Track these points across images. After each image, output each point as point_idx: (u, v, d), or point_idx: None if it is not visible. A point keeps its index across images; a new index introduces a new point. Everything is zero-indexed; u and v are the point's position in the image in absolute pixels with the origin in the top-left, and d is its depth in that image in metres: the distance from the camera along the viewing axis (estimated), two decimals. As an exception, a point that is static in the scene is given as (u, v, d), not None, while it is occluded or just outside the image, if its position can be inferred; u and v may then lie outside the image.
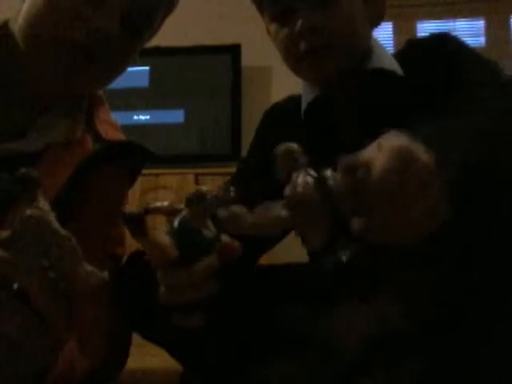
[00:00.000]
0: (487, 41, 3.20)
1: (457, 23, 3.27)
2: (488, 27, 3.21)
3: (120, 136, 0.90)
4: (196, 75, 3.05)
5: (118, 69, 0.84)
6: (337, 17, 0.84)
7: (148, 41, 0.87)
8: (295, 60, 0.88)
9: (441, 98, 0.80)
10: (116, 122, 0.93)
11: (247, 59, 3.04)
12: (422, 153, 0.51)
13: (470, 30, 3.27)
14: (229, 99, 2.99)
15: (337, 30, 0.85)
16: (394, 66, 0.89)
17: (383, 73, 0.87)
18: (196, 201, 0.50)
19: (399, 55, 0.92)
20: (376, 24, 0.93)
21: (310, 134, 0.91)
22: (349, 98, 0.89)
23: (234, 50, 3.05)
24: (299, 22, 0.83)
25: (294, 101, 0.99)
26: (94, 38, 0.75)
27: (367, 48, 0.90)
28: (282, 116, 1.00)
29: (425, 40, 0.92)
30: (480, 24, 3.23)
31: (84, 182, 0.81)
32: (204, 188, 0.51)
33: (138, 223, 0.50)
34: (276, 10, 0.87)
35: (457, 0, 3.20)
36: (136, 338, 0.84)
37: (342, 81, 0.88)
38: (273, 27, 0.90)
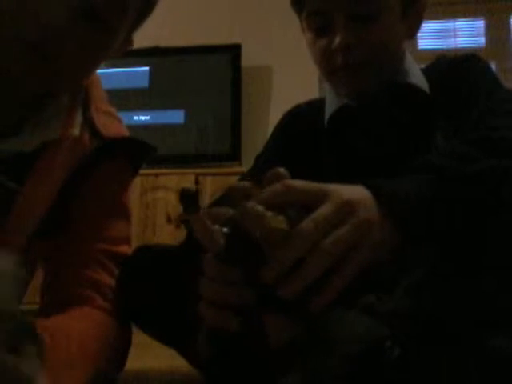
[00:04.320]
0: (487, 41, 3.21)
1: (457, 23, 3.28)
2: (488, 27, 3.21)
3: (117, 126, 0.86)
4: (196, 75, 3.05)
5: (90, 65, 0.77)
6: (374, 34, 0.85)
7: (134, 30, 0.79)
8: (330, 72, 0.90)
9: (460, 118, 0.81)
10: (113, 109, 0.88)
11: (247, 59, 3.03)
12: (366, 206, 0.54)
13: (470, 30, 3.27)
14: (229, 99, 2.99)
15: (374, 47, 0.85)
16: (420, 81, 0.89)
17: (409, 88, 0.88)
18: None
19: (427, 70, 0.93)
20: (411, 37, 0.93)
21: (330, 140, 0.91)
22: (373, 110, 0.89)
23: (234, 50, 3.05)
24: (337, 40, 0.84)
25: (315, 105, 0.99)
26: (46, 35, 0.68)
27: (400, 62, 0.91)
28: (304, 119, 1.00)
29: (453, 58, 0.92)
30: (480, 24, 3.23)
31: (82, 182, 0.80)
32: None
33: (192, 199, 0.52)
34: (315, 25, 0.88)
35: (457, 0, 3.20)
36: (138, 339, 0.84)
37: (370, 93, 0.88)
38: (309, 35, 0.90)
